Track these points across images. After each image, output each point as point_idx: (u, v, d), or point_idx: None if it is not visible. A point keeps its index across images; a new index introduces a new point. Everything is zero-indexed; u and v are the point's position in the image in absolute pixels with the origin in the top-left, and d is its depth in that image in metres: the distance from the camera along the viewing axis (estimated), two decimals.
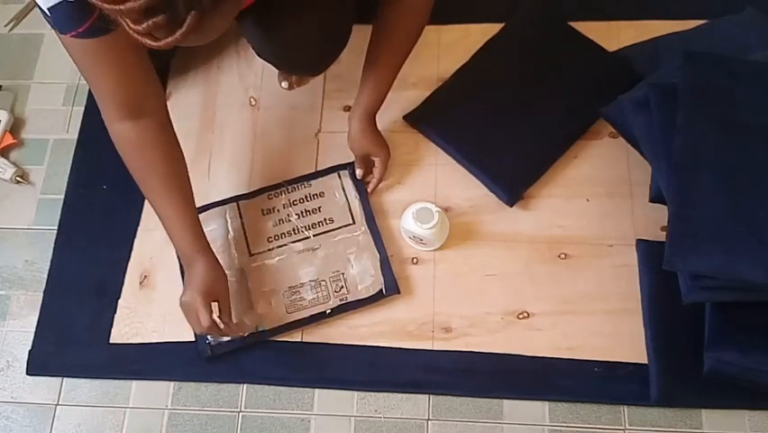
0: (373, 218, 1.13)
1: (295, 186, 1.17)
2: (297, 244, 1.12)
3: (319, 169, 1.19)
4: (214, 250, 1.10)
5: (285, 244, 1.12)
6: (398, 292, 1.08)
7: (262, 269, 1.11)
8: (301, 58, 1.04)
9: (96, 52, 0.84)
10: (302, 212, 1.15)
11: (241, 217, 1.15)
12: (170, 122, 0.97)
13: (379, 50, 1.04)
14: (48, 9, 0.78)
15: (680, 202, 0.90)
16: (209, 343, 1.06)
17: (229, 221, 1.14)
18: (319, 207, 1.15)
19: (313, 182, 1.17)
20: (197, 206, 1.14)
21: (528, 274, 1.09)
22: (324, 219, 1.14)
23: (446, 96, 1.21)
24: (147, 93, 0.92)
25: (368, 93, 1.06)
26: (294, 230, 1.13)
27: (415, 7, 1.00)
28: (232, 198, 1.17)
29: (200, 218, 1.12)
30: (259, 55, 1.06)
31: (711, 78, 0.95)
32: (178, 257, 1.09)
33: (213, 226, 1.14)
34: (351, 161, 1.17)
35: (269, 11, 0.92)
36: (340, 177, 1.17)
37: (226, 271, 1.09)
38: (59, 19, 0.79)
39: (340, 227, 1.13)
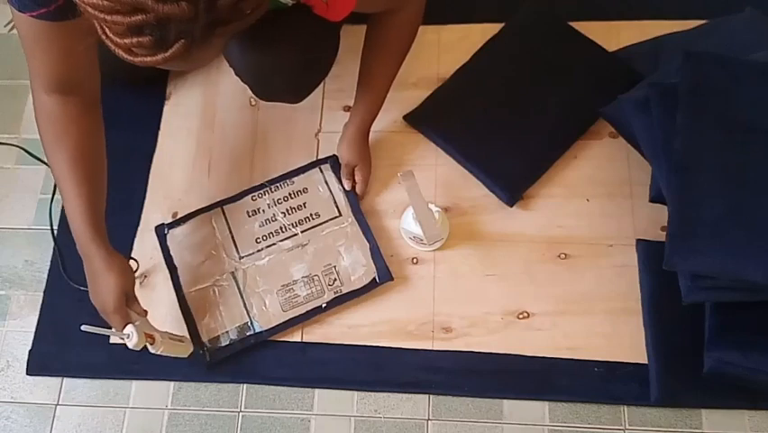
0: (359, 208, 1.13)
1: (278, 185, 1.17)
2: (286, 241, 1.12)
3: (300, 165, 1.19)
4: (203, 256, 1.11)
5: (274, 244, 1.12)
6: (392, 279, 1.08)
7: (254, 270, 1.11)
8: (278, 87, 1.01)
9: (45, 33, 0.82)
10: (287, 210, 1.15)
11: (227, 222, 1.14)
12: (98, 105, 0.94)
13: (370, 65, 1.05)
14: None
15: (680, 202, 0.90)
16: (206, 348, 1.06)
17: (215, 227, 1.14)
18: (304, 203, 1.15)
19: (295, 179, 1.17)
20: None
21: (528, 274, 1.09)
22: (311, 215, 1.14)
23: (446, 97, 1.21)
24: (84, 76, 0.90)
25: (362, 108, 1.08)
26: (281, 228, 1.13)
27: (403, 22, 1.00)
28: (216, 203, 1.16)
29: (186, 227, 1.13)
30: (238, 76, 1.01)
31: (711, 78, 0.95)
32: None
33: (200, 233, 1.14)
34: (331, 154, 1.18)
35: (251, 36, 0.89)
36: (321, 171, 1.17)
37: (217, 276, 1.09)
38: None
39: (327, 221, 1.13)
